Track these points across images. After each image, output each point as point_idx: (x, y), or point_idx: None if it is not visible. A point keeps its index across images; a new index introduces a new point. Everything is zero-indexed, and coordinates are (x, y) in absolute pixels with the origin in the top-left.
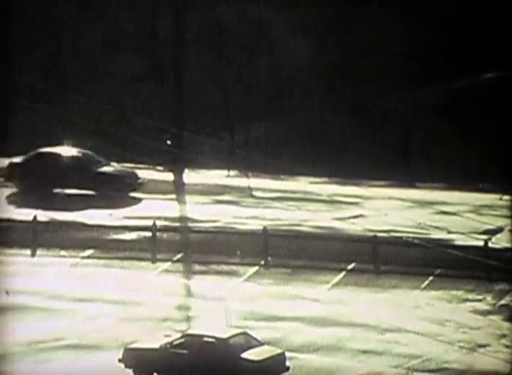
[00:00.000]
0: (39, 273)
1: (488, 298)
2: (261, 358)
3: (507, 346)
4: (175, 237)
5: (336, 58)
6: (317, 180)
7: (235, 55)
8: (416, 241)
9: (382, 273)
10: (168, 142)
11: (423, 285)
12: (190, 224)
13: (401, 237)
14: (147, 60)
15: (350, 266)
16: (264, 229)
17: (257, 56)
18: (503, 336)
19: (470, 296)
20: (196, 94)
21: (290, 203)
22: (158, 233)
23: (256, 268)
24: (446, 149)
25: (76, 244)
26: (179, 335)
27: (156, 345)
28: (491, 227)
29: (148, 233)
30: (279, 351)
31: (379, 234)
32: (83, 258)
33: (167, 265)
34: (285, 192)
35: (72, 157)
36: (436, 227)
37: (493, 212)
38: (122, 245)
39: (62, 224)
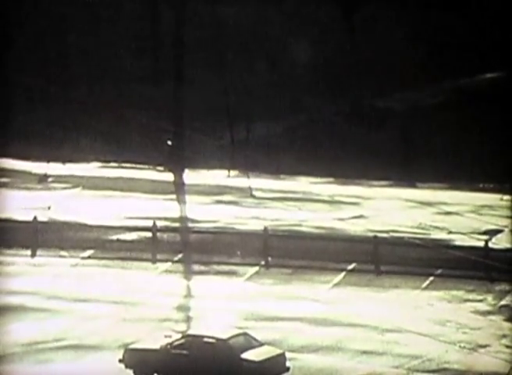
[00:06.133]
0: (39, 273)
1: (489, 298)
2: (261, 358)
3: (508, 346)
4: (175, 238)
5: (335, 58)
6: (317, 180)
7: (235, 54)
8: (416, 241)
9: (383, 274)
10: (169, 142)
11: (423, 285)
12: (191, 224)
13: (402, 238)
14: (147, 60)
15: (351, 266)
16: (265, 229)
17: (257, 56)
18: (504, 336)
19: (470, 296)
20: (196, 94)
21: (291, 203)
22: (158, 234)
23: (256, 268)
24: (446, 149)
25: (76, 245)
26: (179, 336)
27: (156, 346)
28: (491, 227)
29: (148, 234)
30: (279, 351)
31: (380, 234)
32: (83, 258)
33: (167, 265)
34: (285, 192)
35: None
36: (437, 227)
37: (494, 213)
38: (122, 246)
39: (62, 224)
